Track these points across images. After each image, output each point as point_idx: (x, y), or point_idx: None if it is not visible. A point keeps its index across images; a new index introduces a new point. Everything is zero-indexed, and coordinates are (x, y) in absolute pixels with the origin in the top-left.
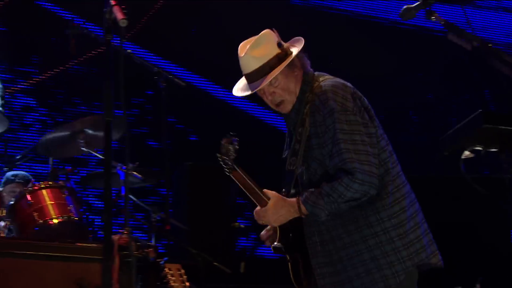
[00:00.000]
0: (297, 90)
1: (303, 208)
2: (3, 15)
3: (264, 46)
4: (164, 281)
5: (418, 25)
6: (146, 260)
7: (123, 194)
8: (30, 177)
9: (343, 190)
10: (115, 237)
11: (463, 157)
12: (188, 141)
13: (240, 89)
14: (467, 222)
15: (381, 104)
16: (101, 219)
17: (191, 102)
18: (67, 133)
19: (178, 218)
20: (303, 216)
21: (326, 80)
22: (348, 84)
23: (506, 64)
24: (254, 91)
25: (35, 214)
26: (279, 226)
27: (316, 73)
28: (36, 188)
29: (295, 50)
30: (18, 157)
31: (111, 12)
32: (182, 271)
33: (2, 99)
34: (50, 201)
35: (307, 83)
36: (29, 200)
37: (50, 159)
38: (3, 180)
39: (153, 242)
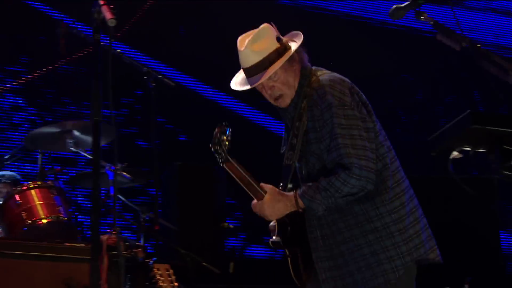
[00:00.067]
0: (296, 84)
1: (300, 202)
2: None
3: (263, 40)
4: (153, 281)
5: (407, 26)
6: (134, 260)
7: (112, 194)
8: (18, 177)
9: (340, 185)
10: (104, 237)
11: (451, 157)
12: (178, 141)
13: (238, 83)
14: (456, 223)
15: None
16: (90, 219)
17: (180, 102)
18: (56, 130)
19: (167, 218)
20: (300, 211)
21: (324, 74)
22: (346, 79)
23: (495, 65)
24: (253, 86)
25: (24, 214)
26: (277, 220)
27: (313, 67)
28: (24, 188)
29: (294, 45)
30: (6, 157)
31: (99, 11)
32: (171, 271)
33: None
34: (39, 201)
35: (305, 77)
36: (18, 200)
37: (39, 159)
38: None
39: (142, 242)
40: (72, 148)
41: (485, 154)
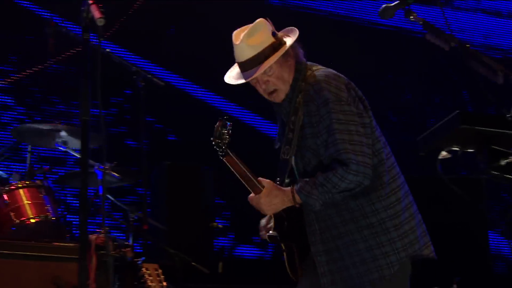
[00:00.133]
0: (290, 79)
1: (297, 197)
2: None
3: (259, 34)
4: (142, 281)
5: (396, 26)
6: (123, 259)
7: (100, 193)
8: (6, 175)
9: (337, 181)
10: (92, 237)
11: (440, 157)
12: (167, 140)
13: (232, 77)
14: (444, 223)
15: None
16: (78, 218)
17: (169, 101)
18: (46, 128)
19: (156, 217)
20: (297, 206)
21: (319, 70)
22: (341, 75)
23: (483, 65)
24: (248, 80)
25: (12, 213)
26: (274, 215)
27: (308, 63)
28: (13, 187)
29: (289, 40)
30: None
31: (88, 11)
32: (160, 271)
33: None
34: (27, 200)
35: (299, 72)
36: (6, 200)
37: (28, 158)
38: None
39: (130, 242)
40: (60, 146)
41: (473, 154)
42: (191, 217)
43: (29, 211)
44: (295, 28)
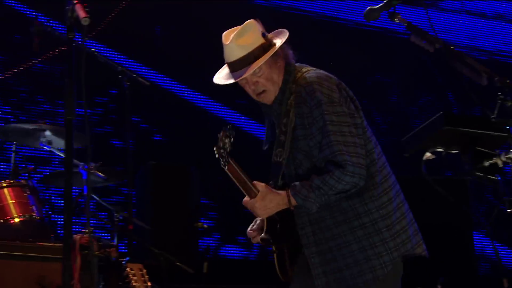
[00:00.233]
0: (280, 81)
1: (293, 201)
2: None
3: (249, 35)
4: (126, 281)
5: (382, 27)
6: (108, 259)
7: (85, 193)
8: None
9: (334, 183)
10: (77, 237)
11: (424, 158)
12: (152, 140)
13: (221, 77)
14: (428, 223)
15: None
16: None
17: (155, 101)
18: (31, 127)
19: (141, 217)
20: (291, 208)
21: (309, 71)
22: (332, 75)
23: (468, 66)
24: (237, 80)
25: None
26: (267, 218)
27: (297, 64)
28: None
29: (278, 41)
30: None
31: (73, 10)
32: (144, 271)
33: None
34: (12, 200)
35: (289, 73)
36: None
37: (12, 157)
38: None
39: (115, 242)
40: (45, 146)
41: (458, 155)
42: (176, 217)
43: (13, 211)
44: (285, 30)
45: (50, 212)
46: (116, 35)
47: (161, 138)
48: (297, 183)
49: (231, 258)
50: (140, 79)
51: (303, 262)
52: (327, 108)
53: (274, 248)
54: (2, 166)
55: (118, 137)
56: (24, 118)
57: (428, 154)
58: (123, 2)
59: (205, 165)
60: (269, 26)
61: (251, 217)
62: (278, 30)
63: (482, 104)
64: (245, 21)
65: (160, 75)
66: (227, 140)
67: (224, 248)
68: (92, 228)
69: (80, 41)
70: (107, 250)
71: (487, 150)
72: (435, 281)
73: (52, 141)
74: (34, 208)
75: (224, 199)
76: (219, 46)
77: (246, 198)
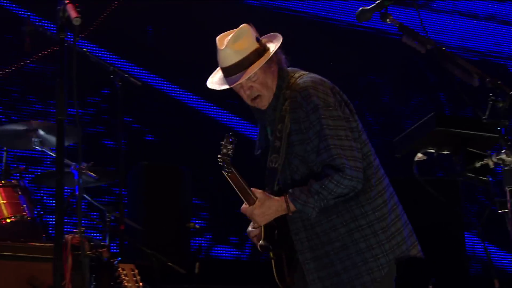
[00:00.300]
0: (274, 86)
1: (292, 206)
2: None
3: (243, 40)
4: (118, 281)
5: (374, 27)
6: (99, 260)
7: (77, 193)
8: None
9: (333, 187)
10: (68, 237)
11: (416, 159)
12: (144, 140)
13: (215, 82)
14: (420, 224)
15: None
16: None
17: (147, 101)
18: (21, 128)
19: (133, 218)
20: (290, 214)
21: (303, 76)
22: (326, 79)
23: (459, 67)
24: (233, 85)
25: None
26: (264, 224)
27: (289, 68)
28: None
29: (272, 46)
30: None
31: (64, 10)
32: (136, 271)
33: None
34: (3, 200)
35: (283, 79)
36: None
37: (4, 157)
38: None
39: (107, 242)
40: (37, 147)
41: (450, 155)
42: (168, 218)
43: (5, 211)
44: (278, 34)
45: (42, 212)
46: (108, 35)
47: (153, 138)
48: (295, 188)
49: (223, 259)
50: (132, 79)
51: (300, 268)
52: (324, 113)
53: (272, 255)
54: None
55: (110, 137)
56: (16, 118)
57: (419, 155)
58: (115, 2)
59: (197, 165)
60: (261, 26)
61: (243, 217)
62: (271, 34)
63: (473, 105)
64: (237, 21)
65: (152, 75)
66: (230, 147)
67: (216, 248)
68: (83, 228)
69: (71, 41)
70: (99, 250)
71: (478, 151)
72: (427, 282)
73: (44, 139)
74: (25, 208)
75: (216, 200)
76: (212, 46)
77: (245, 205)
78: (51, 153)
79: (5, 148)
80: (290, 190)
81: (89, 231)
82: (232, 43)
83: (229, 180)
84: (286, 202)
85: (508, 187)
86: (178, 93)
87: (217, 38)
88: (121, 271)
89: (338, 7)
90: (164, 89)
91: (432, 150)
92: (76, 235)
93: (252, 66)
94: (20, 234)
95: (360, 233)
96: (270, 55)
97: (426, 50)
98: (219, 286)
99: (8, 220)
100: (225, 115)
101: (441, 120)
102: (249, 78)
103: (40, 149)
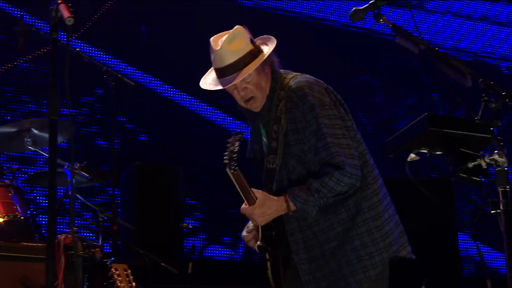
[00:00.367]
0: (267, 88)
1: (292, 206)
2: None
3: (239, 41)
4: (111, 281)
5: (368, 28)
6: (92, 260)
7: (70, 193)
8: None
9: (333, 185)
10: (61, 237)
11: (409, 159)
12: (137, 140)
13: (209, 83)
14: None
15: None
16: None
17: (140, 101)
18: (13, 129)
19: (126, 218)
20: (290, 214)
21: (296, 77)
22: (320, 80)
23: (452, 68)
24: (228, 86)
25: None
26: (262, 225)
27: (281, 70)
28: None
29: (266, 48)
30: None
31: (57, 10)
32: (129, 271)
33: None
34: None
35: (276, 81)
36: None
37: None
38: None
39: (100, 242)
40: (30, 147)
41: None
42: (161, 218)
43: None
44: (272, 37)
45: (35, 212)
46: (102, 35)
47: (146, 138)
48: (294, 187)
49: (216, 259)
50: (125, 79)
51: (295, 269)
52: (320, 111)
53: (267, 256)
54: None
55: (103, 137)
56: (9, 118)
57: (412, 155)
58: (109, 2)
59: (190, 165)
60: (254, 27)
61: (236, 218)
62: (265, 36)
63: (466, 105)
64: (231, 21)
65: (145, 75)
66: (237, 145)
67: (209, 248)
68: (76, 228)
69: (64, 41)
70: (92, 250)
71: (471, 152)
72: (420, 282)
73: (37, 139)
74: (18, 208)
75: (209, 200)
76: (205, 46)
77: (244, 205)
78: (44, 153)
79: None
80: (289, 190)
81: (82, 231)
82: (227, 44)
83: (232, 178)
84: (286, 201)
85: (501, 188)
86: (171, 93)
87: (211, 39)
88: (114, 271)
89: (332, 7)
90: (157, 89)
91: (424, 151)
92: (69, 235)
93: (247, 67)
94: (12, 234)
95: (356, 230)
96: (265, 57)
97: (419, 50)
98: (212, 286)
99: (0, 220)
100: (219, 115)
101: (434, 121)
102: (243, 79)
103: (33, 149)
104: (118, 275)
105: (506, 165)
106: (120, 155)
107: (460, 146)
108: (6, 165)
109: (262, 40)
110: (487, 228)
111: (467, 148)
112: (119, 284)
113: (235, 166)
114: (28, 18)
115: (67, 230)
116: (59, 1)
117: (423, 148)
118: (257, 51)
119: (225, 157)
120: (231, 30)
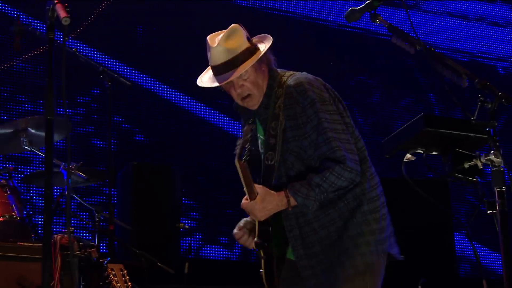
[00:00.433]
0: (264, 86)
1: (292, 201)
2: None
3: (235, 38)
4: (107, 281)
5: (364, 28)
6: (88, 260)
7: (66, 193)
8: None
9: (334, 179)
10: (57, 237)
11: (405, 160)
12: (134, 140)
13: (206, 81)
14: (410, 225)
15: None
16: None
17: (137, 101)
18: (10, 130)
19: (123, 218)
20: (290, 209)
21: (294, 74)
22: (318, 77)
23: (448, 68)
24: (224, 83)
25: None
26: (259, 221)
27: (278, 69)
28: None
29: (262, 46)
30: None
31: (53, 10)
32: (125, 271)
33: None
34: None
35: (273, 78)
36: None
37: None
38: None
39: (96, 242)
40: (26, 147)
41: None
42: (158, 218)
43: None
44: (269, 35)
45: (31, 212)
46: (98, 35)
47: (142, 138)
48: (294, 183)
49: (213, 259)
50: (122, 79)
51: (291, 265)
52: (321, 107)
53: (262, 254)
54: None
55: (100, 137)
56: (5, 118)
57: (408, 156)
58: (105, 2)
59: (187, 166)
60: (251, 26)
61: (233, 218)
62: (261, 35)
63: (462, 106)
64: (228, 21)
65: (142, 75)
66: (250, 135)
67: (206, 248)
68: (73, 228)
69: (61, 41)
70: (88, 250)
71: (467, 152)
72: (416, 282)
73: (33, 138)
74: (14, 208)
75: (206, 200)
76: (202, 46)
77: (245, 201)
78: (40, 153)
79: None
80: (290, 185)
81: (78, 231)
82: (224, 41)
83: (239, 169)
84: (287, 196)
85: (497, 188)
86: (168, 93)
87: (208, 37)
88: (110, 271)
89: (328, 8)
90: (154, 89)
91: (421, 151)
92: (65, 235)
93: (244, 64)
94: (9, 234)
95: (353, 221)
96: (261, 54)
97: (415, 50)
98: (209, 286)
99: None
100: (215, 115)
101: (430, 121)
102: (240, 76)
103: (29, 149)
104: (114, 275)
105: (502, 165)
106: (116, 155)
107: (456, 147)
108: (2, 165)
109: (259, 38)
110: (483, 228)
111: (463, 148)
112: (115, 284)
113: (247, 156)
114: (24, 18)
115: (64, 230)
116: (56, 1)
117: (419, 149)
118: (254, 49)
119: (237, 146)
120: (228, 28)
